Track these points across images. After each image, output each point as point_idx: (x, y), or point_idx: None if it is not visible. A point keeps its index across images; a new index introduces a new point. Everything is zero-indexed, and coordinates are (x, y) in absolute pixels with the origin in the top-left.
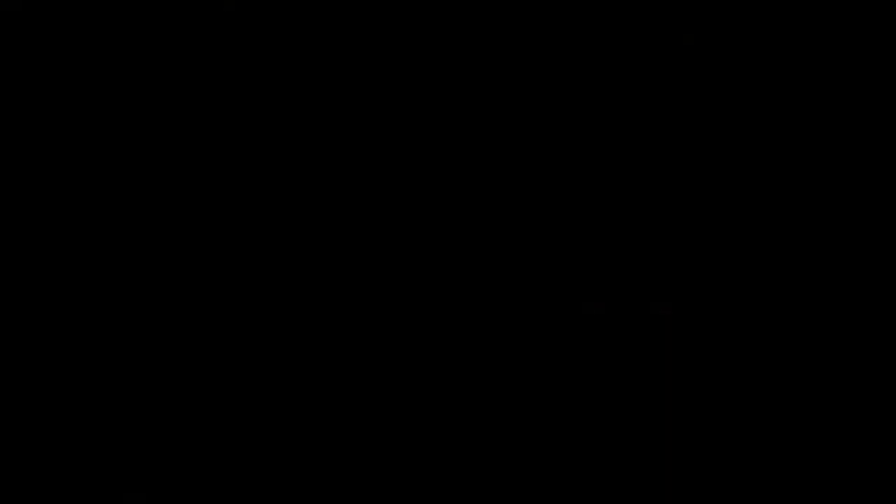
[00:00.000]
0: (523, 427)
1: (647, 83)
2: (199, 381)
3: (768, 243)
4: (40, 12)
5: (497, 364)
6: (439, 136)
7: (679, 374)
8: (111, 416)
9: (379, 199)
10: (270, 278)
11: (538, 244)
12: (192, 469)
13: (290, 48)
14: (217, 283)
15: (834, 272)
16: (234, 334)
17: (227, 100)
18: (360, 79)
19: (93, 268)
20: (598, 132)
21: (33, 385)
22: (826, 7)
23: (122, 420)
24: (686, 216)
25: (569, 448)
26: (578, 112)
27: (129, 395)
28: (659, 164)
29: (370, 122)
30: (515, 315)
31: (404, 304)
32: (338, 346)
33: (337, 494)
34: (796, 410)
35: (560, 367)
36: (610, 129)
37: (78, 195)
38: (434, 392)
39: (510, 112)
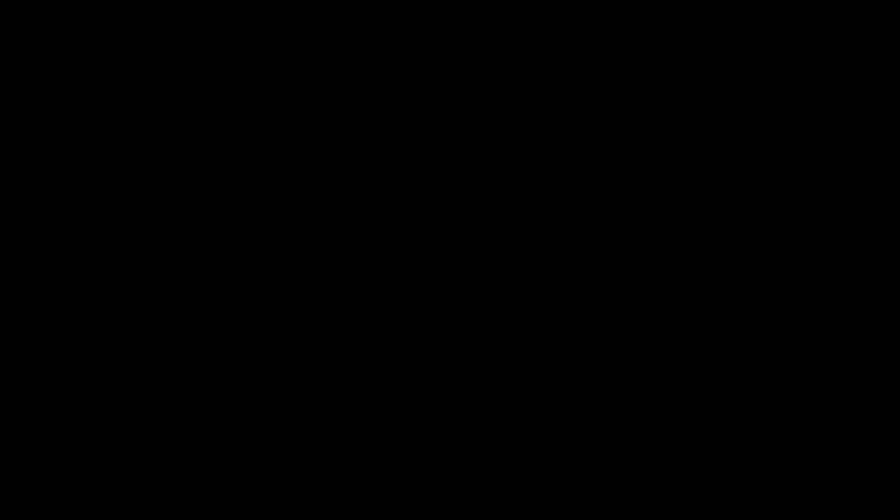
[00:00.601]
0: (523, 427)
1: (647, 83)
2: (199, 381)
3: (768, 243)
4: (40, 12)
5: (497, 364)
6: (439, 136)
7: (679, 374)
8: (111, 415)
9: (379, 200)
10: (270, 278)
11: (538, 244)
12: (192, 469)
13: (291, 48)
14: (217, 283)
15: (834, 272)
16: (234, 334)
17: (227, 100)
18: (360, 79)
19: (93, 268)
20: (598, 132)
21: (33, 385)
22: (826, 7)
23: (122, 420)
24: (686, 216)
25: (569, 448)
26: (579, 112)
27: (129, 395)
28: (659, 164)
29: (370, 122)
30: (515, 315)
31: (404, 304)
32: (338, 345)
33: (337, 494)
34: (796, 410)
35: (560, 367)
36: (610, 129)
37: (78, 195)
38: (434, 392)
39: (510, 112)
